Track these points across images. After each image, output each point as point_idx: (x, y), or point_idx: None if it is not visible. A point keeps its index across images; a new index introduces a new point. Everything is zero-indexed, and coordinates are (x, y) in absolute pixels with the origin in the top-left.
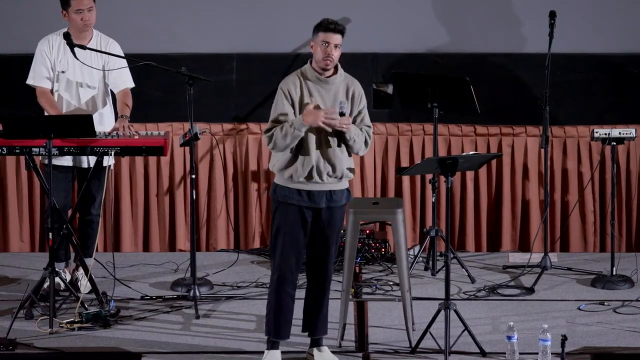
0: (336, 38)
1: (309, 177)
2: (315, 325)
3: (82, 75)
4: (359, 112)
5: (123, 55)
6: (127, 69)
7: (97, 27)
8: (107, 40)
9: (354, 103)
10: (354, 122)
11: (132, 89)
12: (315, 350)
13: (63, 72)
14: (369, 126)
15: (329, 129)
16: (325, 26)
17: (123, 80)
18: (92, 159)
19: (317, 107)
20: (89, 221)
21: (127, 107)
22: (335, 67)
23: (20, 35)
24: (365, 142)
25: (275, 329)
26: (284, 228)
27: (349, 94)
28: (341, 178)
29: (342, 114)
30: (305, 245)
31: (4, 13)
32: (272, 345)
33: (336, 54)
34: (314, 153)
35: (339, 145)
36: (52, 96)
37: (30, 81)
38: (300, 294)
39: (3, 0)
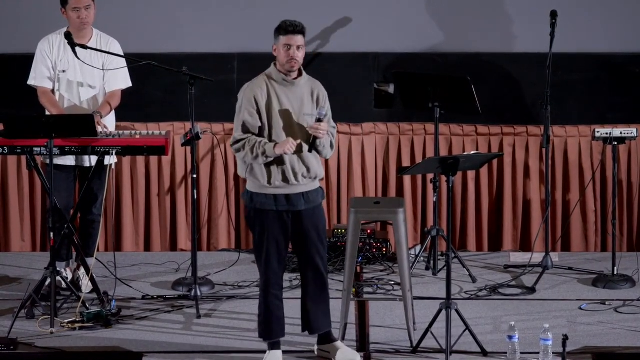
0: (297, 39)
1: (286, 180)
2: (319, 321)
3: (82, 75)
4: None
5: (123, 54)
6: (125, 69)
7: (99, 26)
8: (107, 39)
9: (319, 105)
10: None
11: (133, 89)
12: (332, 347)
13: (64, 71)
14: (333, 127)
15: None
16: (285, 29)
17: (116, 80)
18: (95, 158)
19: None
20: (90, 221)
21: (107, 106)
22: (300, 70)
23: (21, 35)
24: (331, 145)
25: (269, 330)
26: (267, 235)
27: (313, 96)
28: (315, 178)
29: (319, 120)
30: (293, 250)
31: (5, 13)
32: (272, 345)
33: (300, 55)
34: (288, 156)
35: (309, 151)
36: (54, 96)
37: (31, 82)
38: (289, 294)
39: (4, 0)
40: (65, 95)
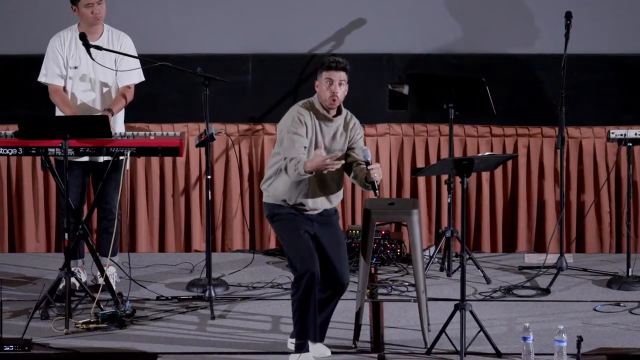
0: (339, 75)
1: (304, 205)
2: (324, 331)
3: (95, 71)
4: (357, 140)
5: (134, 49)
6: (138, 63)
7: (113, 27)
8: (118, 34)
9: (353, 131)
10: (354, 146)
11: (147, 90)
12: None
13: (76, 67)
14: (363, 148)
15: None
16: (328, 65)
17: (130, 75)
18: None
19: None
20: (106, 221)
21: (121, 100)
22: (339, 108)
23: (32, 36)
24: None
25: (315, 330)
26: (292, 225)
27: (347, 127)
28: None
29: (367, 163)
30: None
31: (16, 14)
32: (305, 348)
33: (341, 92)
34: (316, 185)
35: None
36: (65, 94)
37: (42, 79)
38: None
39: (15, 2)
40: (78, 90)
